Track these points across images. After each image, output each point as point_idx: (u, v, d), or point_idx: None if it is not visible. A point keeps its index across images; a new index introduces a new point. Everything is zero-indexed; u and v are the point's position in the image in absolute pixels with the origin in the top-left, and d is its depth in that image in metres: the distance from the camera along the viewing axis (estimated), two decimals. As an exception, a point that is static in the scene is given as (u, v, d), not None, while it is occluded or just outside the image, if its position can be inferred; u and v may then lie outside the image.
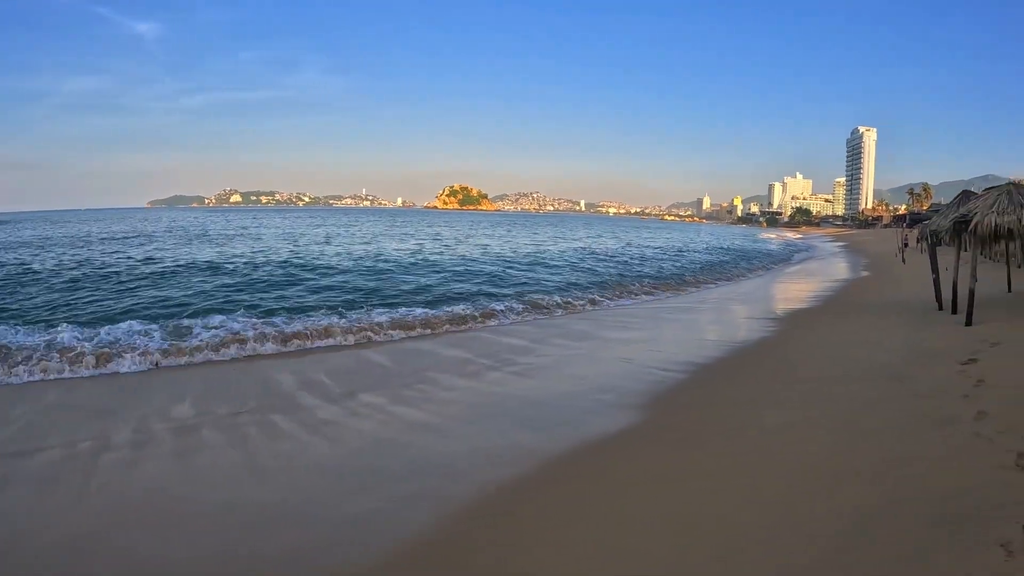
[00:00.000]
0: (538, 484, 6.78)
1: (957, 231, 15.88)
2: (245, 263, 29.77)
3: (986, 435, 6.60)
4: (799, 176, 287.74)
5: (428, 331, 15.33)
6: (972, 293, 14.38)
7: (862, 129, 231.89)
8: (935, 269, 17.96)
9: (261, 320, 15.50)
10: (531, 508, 6.19)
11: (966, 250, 16.18)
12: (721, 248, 60.04)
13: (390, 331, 15.01)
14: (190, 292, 20.57)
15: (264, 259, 32.10)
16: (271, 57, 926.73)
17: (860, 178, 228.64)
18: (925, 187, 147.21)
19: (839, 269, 39.61)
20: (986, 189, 16.56)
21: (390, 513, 6.13)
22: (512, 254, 40.69)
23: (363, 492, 6.64)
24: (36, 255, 33.31)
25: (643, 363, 12.02)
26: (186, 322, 15.23)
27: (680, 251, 51.19)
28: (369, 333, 14.61)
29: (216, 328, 14.51)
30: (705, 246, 61.88)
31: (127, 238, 48.96)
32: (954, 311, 16.08)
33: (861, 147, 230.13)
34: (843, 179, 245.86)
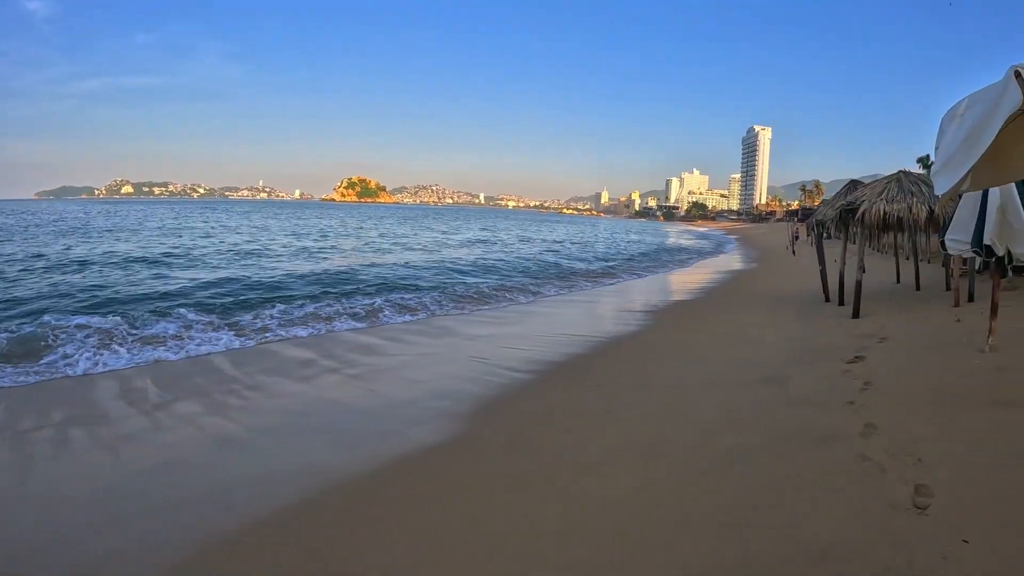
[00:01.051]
0: (324, 510, 5.30)
1: (844, 221, 15.27)
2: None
3: (875, 458, 5.31)
4: (696, 172, 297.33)
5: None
6: (859, 284, 13.67)
7: (757, 128, 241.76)
8: (821, 261, 17.42)
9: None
10: (310, 539, 4.80)
11: (853, 242, 15.66)
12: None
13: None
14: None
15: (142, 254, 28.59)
16: (167, 42, 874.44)
17: (755, 175, 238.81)
18: (817, 184, 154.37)
19: (727, 260, 39.90)
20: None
21: (132, 556, 4.61)
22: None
23: (112, 528, 5.04)
24: None
25: (496, 363, 10.34)
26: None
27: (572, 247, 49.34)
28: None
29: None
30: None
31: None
32: (841, 303, 15.49)
33: (756, 145, 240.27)
34: (739, 175, 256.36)
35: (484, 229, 73.93)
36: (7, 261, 24.27)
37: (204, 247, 34.36)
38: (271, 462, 6.37)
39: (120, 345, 11.21)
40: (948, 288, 16.77)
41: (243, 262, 27.16)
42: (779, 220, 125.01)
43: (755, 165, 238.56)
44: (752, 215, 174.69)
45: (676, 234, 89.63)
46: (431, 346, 12.00)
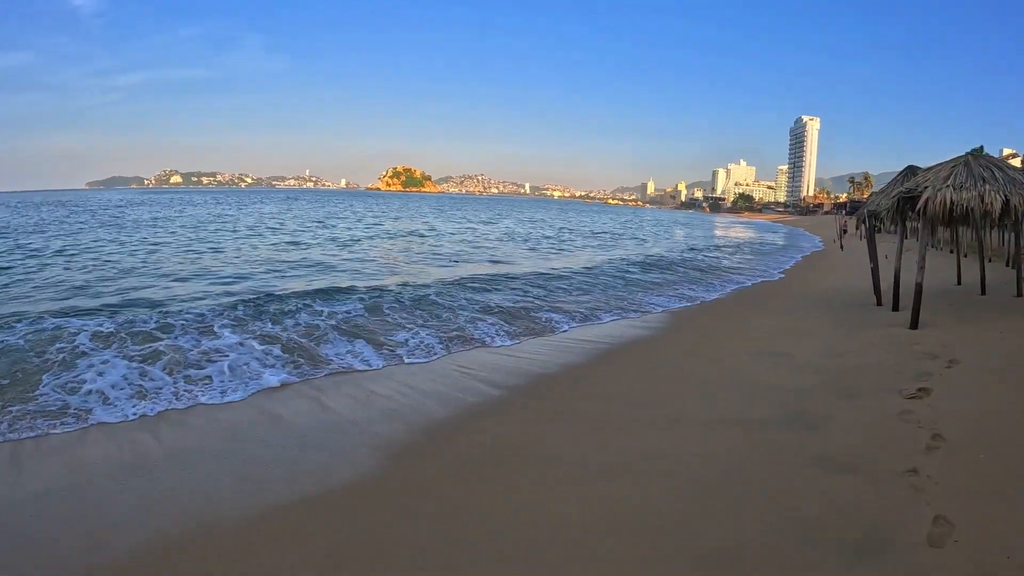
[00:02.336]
0: None
1: (901, 211, 12.79)
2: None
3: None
4: (743, 163, 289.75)
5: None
6: (919, 289, 11.20)
7: (805, 118, 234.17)
8: (873, 257, 14.92)
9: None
10: None
11: (908, 237, 13.21)
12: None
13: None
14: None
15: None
16: (210, 35, 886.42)
17: (802, 166, 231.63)
18: (866, 176, 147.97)
19: (770, 252, 36.88)
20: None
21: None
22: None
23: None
24: None
25: (475, 375, 8.52)
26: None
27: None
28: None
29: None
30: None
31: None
32: (895, 307, 13.04)
33: (804, 136, 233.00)
34: (786, 167, 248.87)
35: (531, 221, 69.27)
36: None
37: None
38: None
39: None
40: (1020, 294, 14.18)
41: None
42: (827, 213, 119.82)
43: (803, 156, 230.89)
44: (799, 208, 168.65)
45: (729, 226, 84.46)
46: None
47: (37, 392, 7.47)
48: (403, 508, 4.81)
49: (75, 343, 9.53)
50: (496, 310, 13.44)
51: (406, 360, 9.53)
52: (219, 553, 4.16)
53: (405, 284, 16.58)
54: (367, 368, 9.08)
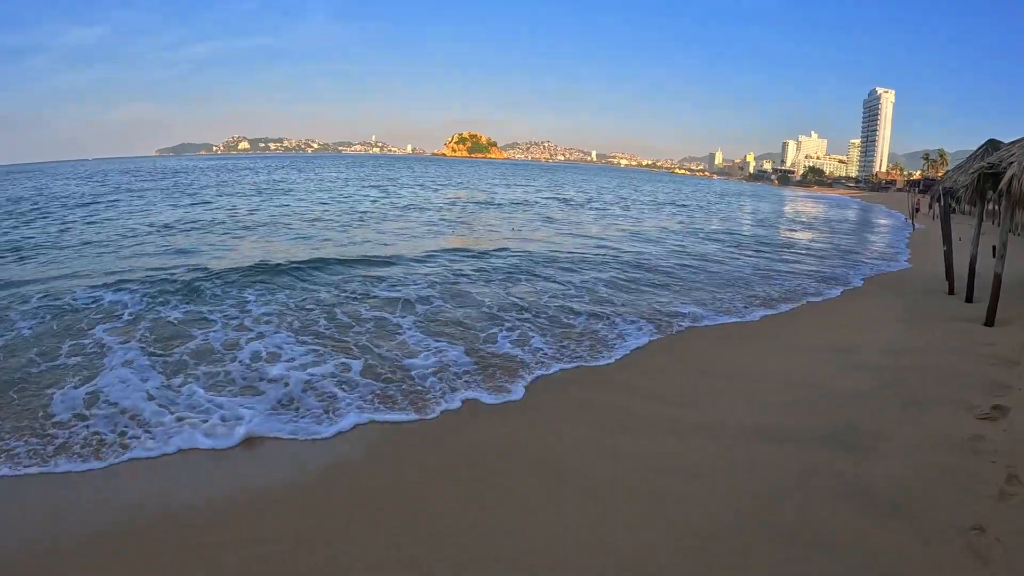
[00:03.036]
0: None
1: (981, 190, 11.30)
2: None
3: None
4: (814, 135, 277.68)
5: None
6: (998, 280, 9.77)
7: (880, 90, 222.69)
8: (947, 239, 13.36)
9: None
10: None
11: (985, 220, 11.66)
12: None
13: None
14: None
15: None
16: (274, 4, 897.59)
17: (875, 140, 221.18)
18: (941, 153, 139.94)
19: (839, 228, 34.58)
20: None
21: None
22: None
23: None
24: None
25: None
26: None
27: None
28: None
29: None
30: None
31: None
32: (968, 298, 11.60)
33: (878, 109, 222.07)
34: (858, 140, 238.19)
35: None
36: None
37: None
38: None
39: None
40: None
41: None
42: (899, 190, 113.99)
43: (876, 130, 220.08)
44: (871, 183, 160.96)
45: (802, 200, 79.72)
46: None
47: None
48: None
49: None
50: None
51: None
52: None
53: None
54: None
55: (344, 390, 6.82)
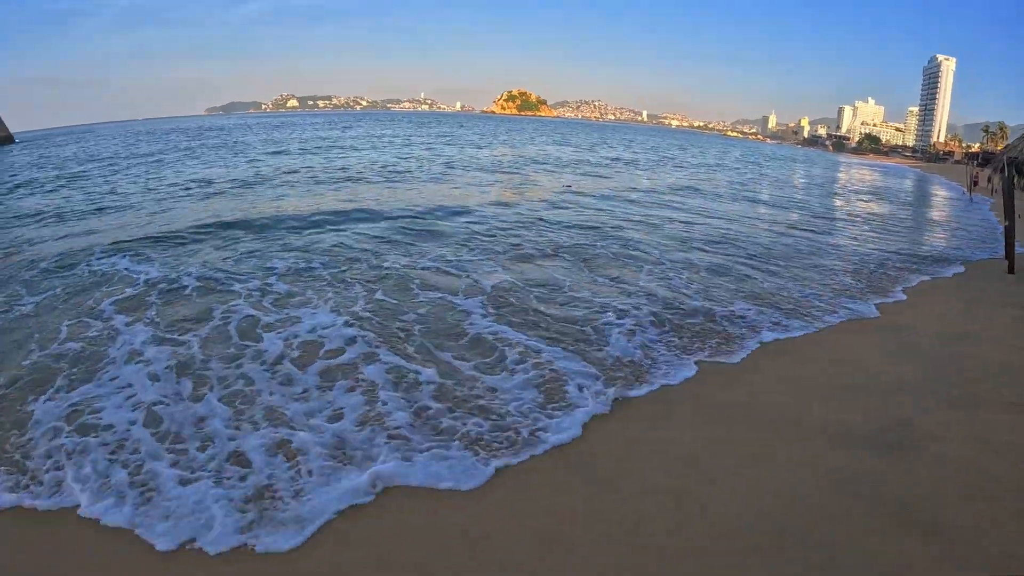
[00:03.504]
0: None
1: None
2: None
3: None
4: (871, 101, 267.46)
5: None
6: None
7: (940, 57, 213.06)
8: (1009, 214, 12.95)
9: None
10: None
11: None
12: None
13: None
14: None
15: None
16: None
17: (934, 109, 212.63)
18: (1001, 126, 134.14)
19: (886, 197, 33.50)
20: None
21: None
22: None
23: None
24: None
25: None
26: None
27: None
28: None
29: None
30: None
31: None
32: (1030, 280, 11.26)
33: (938, 77, 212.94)
34: (916, 109, 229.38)
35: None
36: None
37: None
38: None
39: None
40: None
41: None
42: (957, 162, 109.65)
43: (935, 99, 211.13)
44: (928, 154, 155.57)
45: (859, 168, 75.22)
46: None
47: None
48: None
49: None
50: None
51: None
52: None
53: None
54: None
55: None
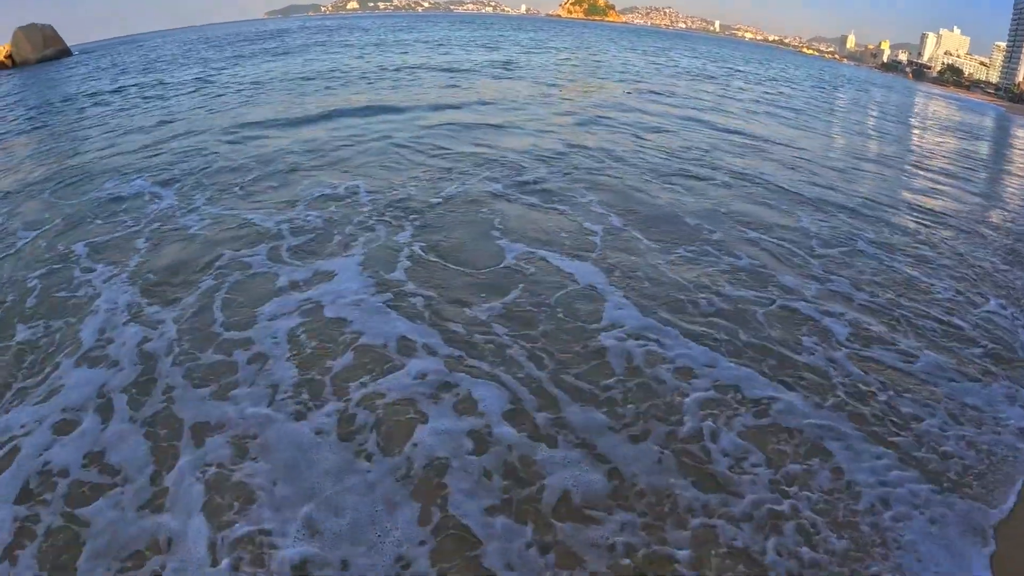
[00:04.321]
0: None
1: None
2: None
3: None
4: (957, 31, 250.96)
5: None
6: None
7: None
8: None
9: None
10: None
11: None
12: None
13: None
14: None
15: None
16: None
17: (1022, 47, 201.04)
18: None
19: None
20: None
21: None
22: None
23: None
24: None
25: None
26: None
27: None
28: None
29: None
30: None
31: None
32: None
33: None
34: (1003, 44, 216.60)
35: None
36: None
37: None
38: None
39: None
40: None
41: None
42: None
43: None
44: (1011, 93, 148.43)
45: (943, 100, 69.88)
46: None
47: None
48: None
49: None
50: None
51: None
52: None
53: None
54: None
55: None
